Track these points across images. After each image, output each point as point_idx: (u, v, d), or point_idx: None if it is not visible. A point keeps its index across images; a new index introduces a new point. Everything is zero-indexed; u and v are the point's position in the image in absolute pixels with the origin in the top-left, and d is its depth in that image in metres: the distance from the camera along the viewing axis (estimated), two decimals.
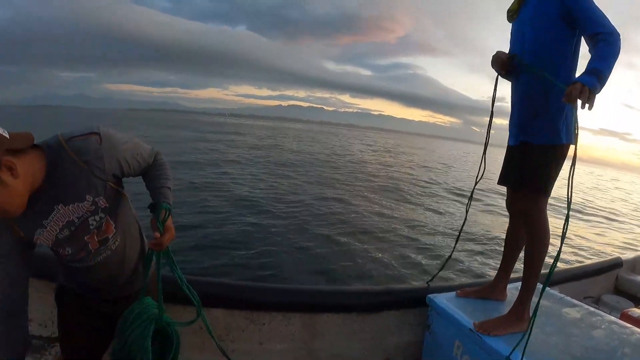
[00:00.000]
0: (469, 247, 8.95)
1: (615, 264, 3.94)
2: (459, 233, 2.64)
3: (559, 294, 2.51)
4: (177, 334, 1.62)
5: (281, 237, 8.50)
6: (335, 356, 2.52)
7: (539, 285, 2.49)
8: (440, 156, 52.90)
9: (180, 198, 10.62)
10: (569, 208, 1.64)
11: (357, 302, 2.52)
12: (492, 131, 2.30)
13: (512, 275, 2.42)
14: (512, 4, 2.10)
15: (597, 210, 18.85)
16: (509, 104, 2.16)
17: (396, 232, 9.89)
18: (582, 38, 1.86)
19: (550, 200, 2.03)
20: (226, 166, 18.94)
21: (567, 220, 1.65)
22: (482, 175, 2.32)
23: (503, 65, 2.07)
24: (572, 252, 9.99)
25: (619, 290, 4.00)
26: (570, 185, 1.64)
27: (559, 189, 2.01)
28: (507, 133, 2.18)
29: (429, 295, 2.38)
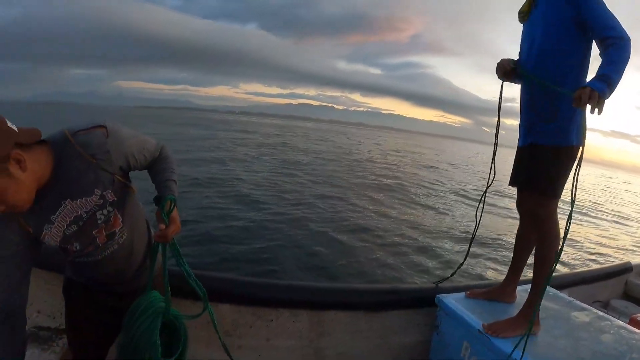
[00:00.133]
0: (479, 248, 8.94)
1: (624, 269, 3.91)
2: (472, 239, 2.62)
3: (568, 297, 2.50)
4: (185, 327, 1.63)
5: (285, 234, 8.57)
6: (341, 354, 2.52)
7: (549, 288, 2.49)
8: (450, 156, 52.79)
9: (185, 194, 10.68)
10: (572, 206, 1.63)
11: (365, 300, 2.51)
12: (503, 132, 2.30)
13: (523, 278, 2.41)
14: (523, 5, 2.10)
15: (607, 214, 18.68)
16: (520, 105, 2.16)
17: (402, 232, 9.91)
18: (594, 41, 1.84)
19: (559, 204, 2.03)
20: (232, 163, 19.07)
21: (569, 218, 1.64)
22: (493, 180, 2.32)
23: (506, 73, 2.09)
24: (582, 255, 9.93)
25: (628, 295, 3.97)
26: (575, 183, 1.65)
27: (566, 190, 2.01)
28: (518, 134, 2.17)
29: (438, 295, 2.38)
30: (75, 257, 1.52)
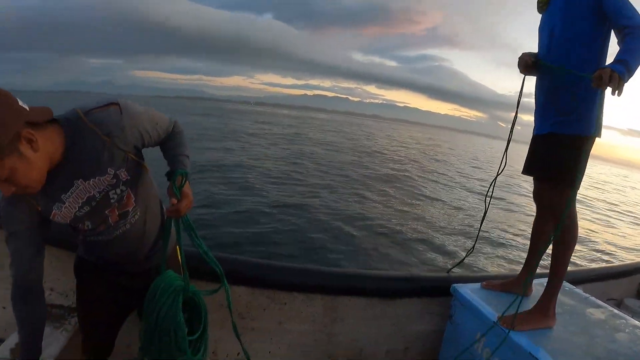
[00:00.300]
0: (495, 239, 8.94)
1: (639, 268, 3.87)
2: (481, 222, 2.64)
3: (584, 294, 2.48)
4: (204, 303, 1.61)
5: (293, 221, 8.71)
6: (354, 341, 2.53)
7: (565, 283, 2.48)
8: (465, 151, 52.35)
9: (193, 180, 10.81)
10: (576, 190, 1.66)
11: (381, 287, 2.50)
12: (519, 127, 2.30)
13: (540, 271, 2.37)
14: None
15: (623, 214, 18.46)
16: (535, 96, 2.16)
17: (413, 222, 9.98)
18: (612, 31, 1.84)
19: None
20: (244, 152, 19.22)
21: (572, 199, 1.66)
22: (503, 169, 2.34)
23: (527, 67, 2.08)
24: (595, 255, 9.86)
25: None
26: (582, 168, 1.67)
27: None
28: (534, 122, 2.16)
29: (454, 285, 2.36)
30: (86, 235, 1.52)
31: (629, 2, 1.76)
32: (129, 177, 1.41)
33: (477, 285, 2.38)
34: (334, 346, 2.52)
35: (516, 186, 16.55)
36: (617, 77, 1.57)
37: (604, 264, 7.90)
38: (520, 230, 10.30)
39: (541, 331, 1.95)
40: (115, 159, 1.34)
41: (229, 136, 27.23)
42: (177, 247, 1.77)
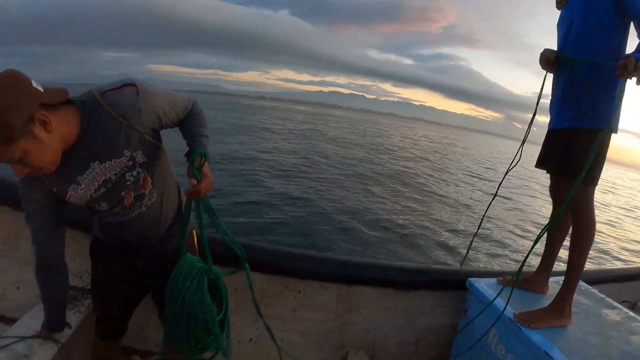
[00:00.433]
0: (513, 235, 8.93)
1: None
2: (486, 210, 2.71)
3: (600, 294, 2.46)
4: (224, 284, 1.58)
5: (302, 211, 8.87)
6: (366, 331, 2.53)
7: (581, 283, 2.46)
8: (479, 151, 51.98)
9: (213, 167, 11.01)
10: (581, 177, 1.64)
11: (396, 278, 2.48)
12: (534, 128, 2.30)
13: (556, 269, 2.38)
14: None
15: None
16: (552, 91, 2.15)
17: (423, 218, 10.07)
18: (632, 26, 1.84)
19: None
20: (259, 144, 19.35)
21: (575, 188, 1.66)
22: (517, 163, 2.35)
23: (549, 63, 2.06)
24: (611, 255, 9.80)
25: None
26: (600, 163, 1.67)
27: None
28: (550, 116, 2.15)
29: (470, 279, 2.35)
30: (102, 216, 1.53)
31: None
32: (145, 160, 1.40)
33: (493, 280, 2.37)
34: (347, 336, 2.52)
35: (527, 188, 16.45)
36: None
37: (619, 265, 7.83)
38: (539, 225, 10.31)
39: (556, 329, 1.94)
40: (131, 141, 1.32)
41: (243, 130, 27.41)
42: (193, 230, 1.78)
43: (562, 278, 2.07)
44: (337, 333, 2.49)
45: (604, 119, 1.86)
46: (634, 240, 12.69)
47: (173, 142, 1.68)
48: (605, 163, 2.00)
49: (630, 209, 21.65)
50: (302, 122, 50.28)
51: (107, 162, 1.32)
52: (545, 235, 2.31)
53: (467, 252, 2.80)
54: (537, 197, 16.43)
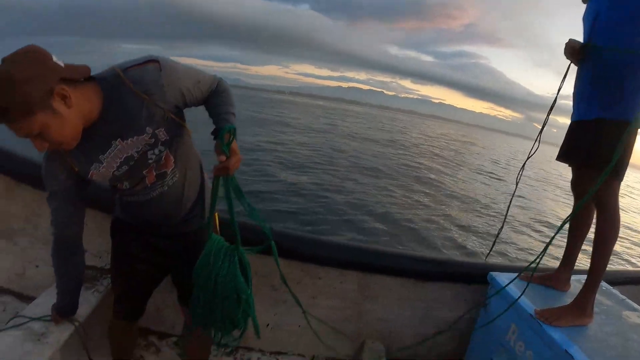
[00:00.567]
0: (536, 231, 8.86)
1: None
2: (509, 205, 2.67)
3: (621, 295, 2.41)
4: (249, 262, 1.53)
5: (323, 201, 8.94)
6: (383, 320, 2.52)
7: (602, 283, 2.41)
8: (500, 152, 51.49)
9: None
10: (610, 167, 1.60)
11: (417, 269, 2.45)
12: (553, 129, 2.25)
13: (578, 267, 2.35)
14: None
15: None
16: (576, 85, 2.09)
17: (441, 213, 10.06)
18: None
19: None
20: (277, 137, 19.48)
21: (602, 180, 1.63)
22: (535, 151, 2.35)
23: (574, 52, 2.01)
24: (635, 260, 9.68)
25: None
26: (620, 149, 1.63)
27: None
28: (573, 108, 2.10)
29: (491, 273, 2.33)
30: (123, 195, 1.52)
31: None
32: (168, 137, 1.39)
33: (514, 275, 2.29)
34: (364, 325, 2.52)
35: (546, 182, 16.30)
36: None
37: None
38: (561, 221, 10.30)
39: (576, 328, 1.92)
40: (153, 117, 1.31)
41: (259, 123, 27.57)
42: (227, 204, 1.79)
43: (584, 276, 2.04)
44: (355, 321, 2.48)
45: (633, 110, 1.82)
46: None
47: (198, 123, 1.67)
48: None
49: None
50: (320, 117, 50.27)
51: (129, 139, 1.31)
52: (567, 232, 2.29)
53: (493, 246, 2.77)
54: (559, 196, 16.25)
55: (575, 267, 2.34)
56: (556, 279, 2.30)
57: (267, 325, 2.42)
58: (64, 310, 1.70)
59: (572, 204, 2.26)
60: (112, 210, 1.72)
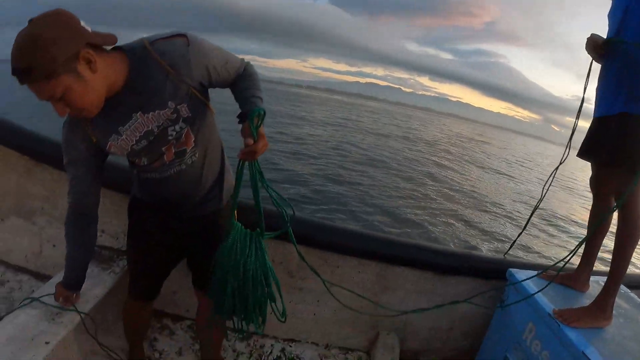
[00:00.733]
0: (559, 230, 8.80)
1: None
2: (535, 208, 2.60)
3: (639, 299, 2.38)
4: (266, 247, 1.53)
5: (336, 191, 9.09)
6: (399, 313, 2.50)
7: (621, 287, 2.36)
8: (518, 153, 51.06)
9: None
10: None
11: (436, 261, 2.42)
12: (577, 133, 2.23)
13: (597, 269, 2.30)
14: None
15: None
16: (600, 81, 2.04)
17: (462, 208, 10.19)
18: None
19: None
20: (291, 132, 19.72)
21: (636, 180, 1.61)
22: (566, 158, 2.31)
23: (596, 48, 1.95)
24: None
25: None
26: None
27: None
28: (595, 104, 2.04)
29: (510, 269, 2.29)
30: (141, 171, 1.52)
31: None
32: (190, 115, 1.37)
33: (534, 273, 2.27)
34: (379, 316, 2.49)
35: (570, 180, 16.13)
36: None
37: None
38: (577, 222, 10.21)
39: (594, 330, 1.88)
40: (177, 92, 1.29)
41: (278, 116, 27.68)
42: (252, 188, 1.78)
43: (603, 277, 2.01)
44: (371, 312, 2.45)
45: None
46: None
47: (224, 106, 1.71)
48: None
49: None
50: (337, 110, 50.32)
51: (150, 113, 1.30)
52: (585, 231, 2.25)
53: (513, 243, 2.72)
54: (583, 195, 16.11)
55: (594, 268, 2.30)
56: (575, 279, 2.26)
57: (271, 313, 2.42)
58: (70, 284, 1.68)
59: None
60: (130, 189, 1.73)
